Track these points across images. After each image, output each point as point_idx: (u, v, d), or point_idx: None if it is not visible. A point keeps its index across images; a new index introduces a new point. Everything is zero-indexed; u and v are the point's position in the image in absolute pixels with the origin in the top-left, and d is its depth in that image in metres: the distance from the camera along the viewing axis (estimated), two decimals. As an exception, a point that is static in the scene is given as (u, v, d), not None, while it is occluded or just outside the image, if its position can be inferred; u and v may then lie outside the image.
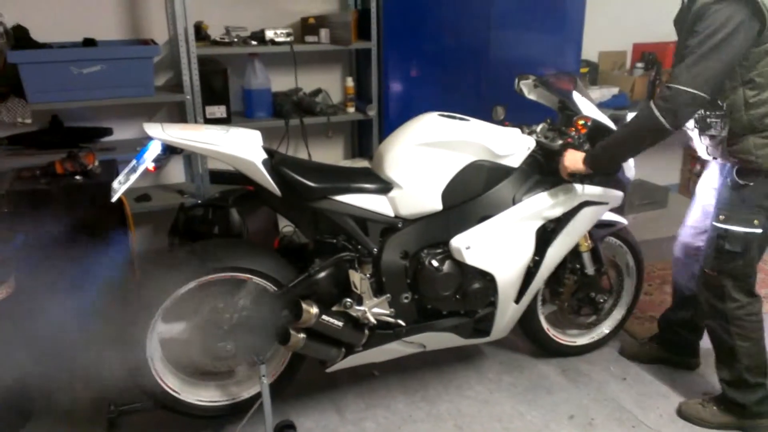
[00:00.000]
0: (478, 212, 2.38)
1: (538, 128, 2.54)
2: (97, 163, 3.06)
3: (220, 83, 3.45)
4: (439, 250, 2.37)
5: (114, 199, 2.12)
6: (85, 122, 3.42)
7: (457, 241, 2.34)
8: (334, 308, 2.29)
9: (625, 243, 2.80)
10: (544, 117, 2.63)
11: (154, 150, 2.10)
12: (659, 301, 3.31)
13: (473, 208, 2.37)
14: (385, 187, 2.31)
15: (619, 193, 2.55)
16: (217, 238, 2.99)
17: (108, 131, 3.45)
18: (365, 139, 3.91)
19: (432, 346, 2.51)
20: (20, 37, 3.21)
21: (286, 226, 3.35)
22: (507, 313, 2.51)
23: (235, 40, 3.43)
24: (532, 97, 2.69)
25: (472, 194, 2.37)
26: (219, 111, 3.44)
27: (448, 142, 2.32)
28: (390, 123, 3.68)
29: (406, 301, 2.37)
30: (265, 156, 2.18)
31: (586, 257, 2.65)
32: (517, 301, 2.50)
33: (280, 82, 3.68)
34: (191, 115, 3.36)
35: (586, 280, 2.68)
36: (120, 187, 2.12)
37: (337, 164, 3.65)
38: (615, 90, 4.14)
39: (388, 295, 2.34)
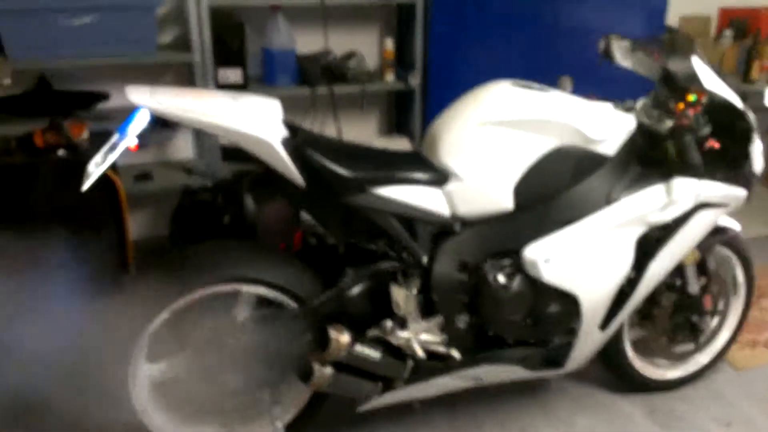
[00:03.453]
0: (562, 214, 1.82)
1: (638, 104, 1.97)
2: (86, 135, 2.55)
3: (235, 41, 2.90)
4: (507, 262, 1.83)
5: (86, 186, 1.60)
6: (77, 85, 2.90)
7: (533, 252, 1.79)
8: (371, 333, 1.77)
9: (736, 253, 2.22)
10: (618, 93, 2.04)
11: (140, 121, 1.58)
12: (760, 320, 2.73)
13: (555, 209, 1.82)
14: (439, 177, 1.77)
15: (743, 192, 1.97)
16: (227, 228, 2.50)
17: (103, 96, 2.93)
18: (404, 113, 3.34)
19: (490, 379, 1.98)
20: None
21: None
22: (588, 342, 1.97)
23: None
24: (625, 63, 2.10)
25: (555, 190, 1.81)
26: (234, 75, 2.90)
27: (526, 120, 1.76)
28: (435, 94, 3.13)
29: (462, 325, 1.84)
30: (285, 134, 1.64)
31: (691, 272, 2.09)
32: (603, 327, 1.95)
33: (307, 42, 3.12)
34: (201, 80, 2.83)
35: (687, 301, 2.12)
36: (96, 170, 1.61)
37: (372, 144, 3.10)
38: (700, 62, 3.51)
39: (440, 317, 1.81)
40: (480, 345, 1.90)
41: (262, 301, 1.78)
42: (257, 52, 3.04)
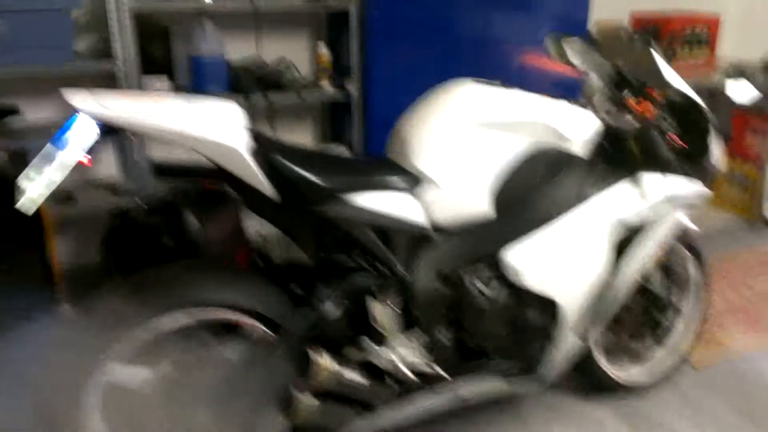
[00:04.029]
0: (537, 215, 1.76)
1: (593, 99, 1.94)
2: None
3: (160, 48, 2.71)
4: (486, 269, 1.75)
5: (22, 203, 1.39)
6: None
7: (512, 256, 1.72)
8: (349, 354, 1.64)
9: (690, 250, 2.24)
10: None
11: (85, 131, 1.39)
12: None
13: (531, 210, 1.76)
14: (412, 183, 1.66)
15: (705, 188, 1.98)
16: (166, 249, 2.29)
17: (13, 111, 2.65)
18: (341, 120, 3.22)
19: (475, 397, 1.88)
20: None
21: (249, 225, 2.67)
22: (566, 349, 1.91)
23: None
24: (575, 61, 2.06)
25: (530, 190, 1.75)
26: (160, 83, 2.69)
27: (500, 119, 1.69)
28: (374, 101, 3.02)
29: (443, 339, 1.74)
30: (249, 140, 1.49)
31: (656, 271, 2.09)
32: (579, 332, 1.91)
33: (236, 49, 2.95)
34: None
35: (652, 300, 2.12)
36: (30, 185, 1.40)
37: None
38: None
39: (422, 332, 1.70)
40: (462, 359, 1.80)
41: (227, 328, 1.62)
42: (182, 59, 2.83)
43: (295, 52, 3.12)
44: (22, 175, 1.43)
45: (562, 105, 1.83)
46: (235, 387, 1.53)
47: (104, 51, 2.63)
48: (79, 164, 1.39)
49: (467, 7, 3.07)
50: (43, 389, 1.45)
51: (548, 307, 1.81)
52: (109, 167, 2.93)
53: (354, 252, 1.67)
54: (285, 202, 1.54)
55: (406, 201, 1.65)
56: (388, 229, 1.66)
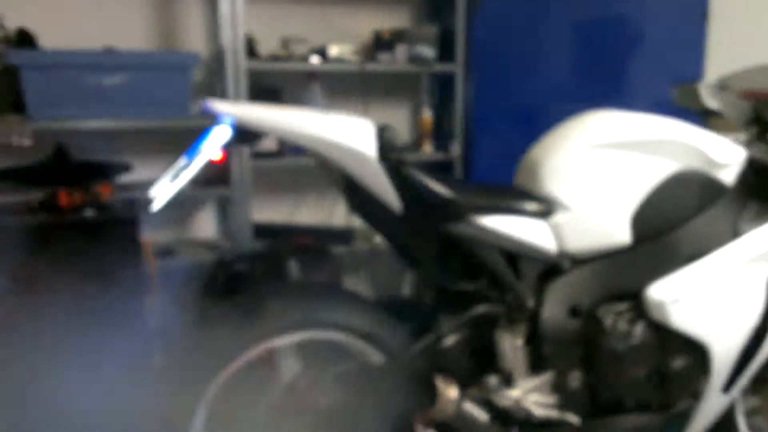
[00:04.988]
0: (686, 248, 1.59)
1: (744, 138, 1.81)
2: (114, 197, 2.33)
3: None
4: (626, 306, 1.58)
5: (159, 206, 1.38)
6: (93, 154, 2.68)
7: (659, 291, 1.55)
8: (472, 390, 1.49)
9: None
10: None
11: (220, 135, 1.39)
12: None
13: (678, 242, 1.59)
14: (545, 208, 1.55)
15: None
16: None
17: (125, 167, 2.71)
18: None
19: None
20: (23, 40, 2.54)
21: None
22: (711, 408, 1.68)
23: (292, 55, 2.78)
24: (712, 105, 1.97)
25: (677, 220, 1.60)
26: (269, 141, 2.73)
27: (645, 141, 1.57)
28: (477, 164, 2.97)
29: (576, 384, 1.55)
30: (379, 152, 1.43)
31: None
32: (726, 388, 1.68)
33: (341, 109, 2.99)
34: (235, 148, 2.64)
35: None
36: (167, 189, 1.39)
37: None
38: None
39: (552, 373, 1.53)
40: (594, 409, 1.60)
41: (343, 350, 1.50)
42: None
43: (398, 114, 3.15)
44: (155, 186, 1.42)
45: (707, 132, 1.71)
46: (350, 415, 1.39)
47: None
48: (212, 163, 1.36)
49: (574, 72, 3.05)
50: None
51: (697, 355, 1.60)
52: (209, 228, 2.95)
53: (478, 280, 1.55)
54: (410, 217, 1.44)
55: (538, 226, 1.53)
56: (517, 256, 1.54)
